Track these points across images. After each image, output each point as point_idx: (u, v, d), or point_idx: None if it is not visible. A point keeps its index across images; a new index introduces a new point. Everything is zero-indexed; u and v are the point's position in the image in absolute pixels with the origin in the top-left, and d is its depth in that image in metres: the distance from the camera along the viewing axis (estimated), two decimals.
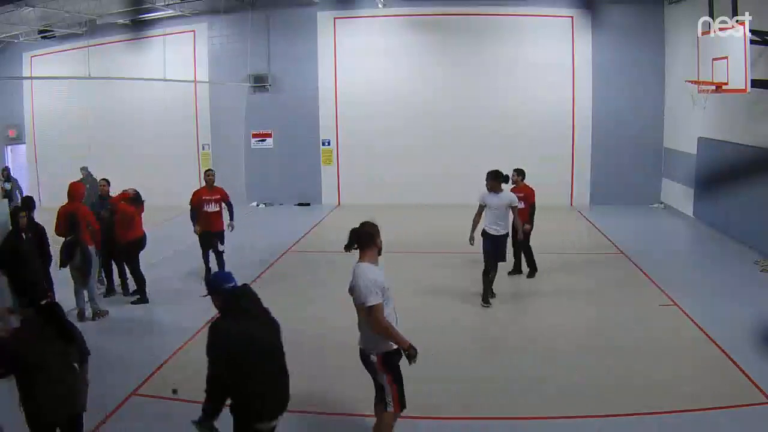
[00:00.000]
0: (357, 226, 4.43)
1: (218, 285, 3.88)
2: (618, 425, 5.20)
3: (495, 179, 8.14)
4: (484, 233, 8.15)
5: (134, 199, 8.71)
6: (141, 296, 8.66)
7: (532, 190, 9.42)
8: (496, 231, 8.07)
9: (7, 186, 13.92)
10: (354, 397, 5.64)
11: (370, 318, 4.16)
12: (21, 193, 14.38)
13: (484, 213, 8.19)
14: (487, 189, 8.15)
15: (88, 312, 7.97)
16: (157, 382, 6.11)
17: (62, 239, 7.99)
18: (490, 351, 6.91)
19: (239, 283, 4.00)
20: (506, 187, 8.55)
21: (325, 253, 11.40)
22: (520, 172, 9.51)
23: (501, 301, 8.62)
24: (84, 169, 13.79)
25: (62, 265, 7.78)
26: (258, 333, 3.72)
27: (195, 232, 9.21)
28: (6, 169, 14.69)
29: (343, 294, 9.24)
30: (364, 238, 4.33)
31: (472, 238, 8.17)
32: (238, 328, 3.66)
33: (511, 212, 8.20)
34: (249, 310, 3.79)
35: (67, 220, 7.79)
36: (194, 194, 9.37)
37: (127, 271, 8.83)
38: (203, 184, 9.62)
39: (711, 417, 5.18)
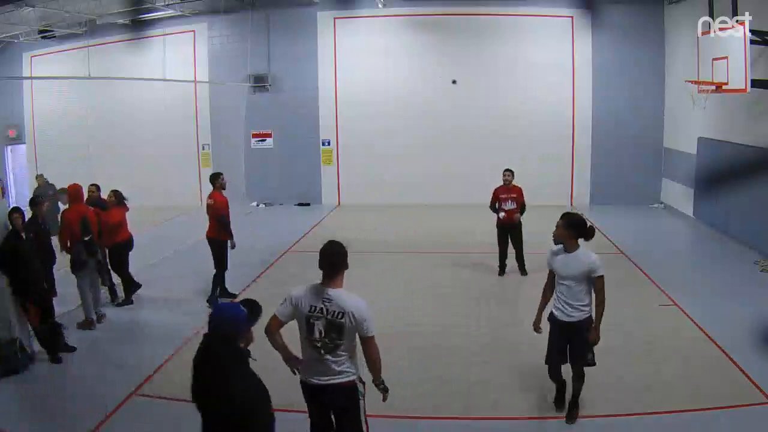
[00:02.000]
0: (326, 245, 3.90)
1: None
2: (618, 425, 5.20)
3: (572, 227, 4.90)
4: (552, 317, 5.12)
5: (118, 201, 8.65)
6: (126, 297, 8.62)
7: (521, 189, 9.73)
8: (568, 315, 4.95)
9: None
10: None
11: (372, 347, 3.80)
12: (7, 194, 13.98)
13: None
14: (554, 241, 5.03)
15: (93, 315, 7.85)
16: (157, 382, 6.11)
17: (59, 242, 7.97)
18: (490, 351, 6.90)
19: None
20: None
21: None
22: (512, 173, 9.76)
23: (500, 301, 8.62)
24: (40, 176, 13.56)
25: (81, 267, 7.65)
26: None
27: (233, 247, 8.45)
28: (41, 176, 13.93)
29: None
30: (340, 260, 3.85)
31: (538, 324, 5.24)
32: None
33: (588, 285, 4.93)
34: None
35: (81, 223, 7.66)
36: (224, 202, 8.45)
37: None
38: (203, 188, 9.01)
39: (711, 417, 5.18)
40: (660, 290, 8.78)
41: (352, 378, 3.85)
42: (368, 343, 3.79)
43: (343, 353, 3.79)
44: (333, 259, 3.83)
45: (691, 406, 5.32)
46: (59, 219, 8.38)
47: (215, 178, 8.57)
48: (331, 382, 3.81)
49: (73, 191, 8.05)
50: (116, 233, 8.50)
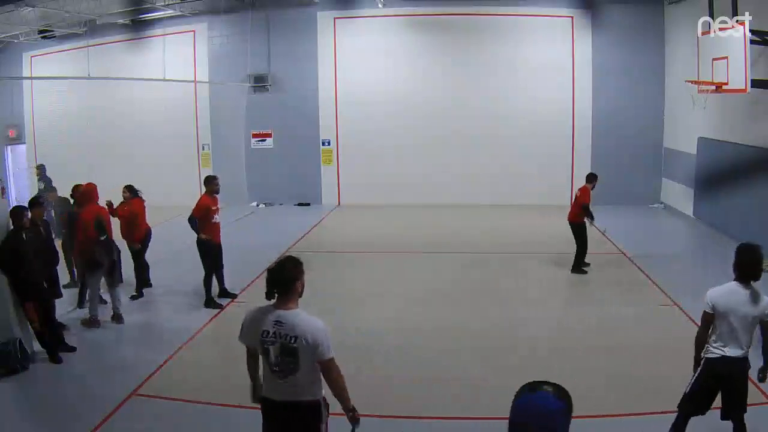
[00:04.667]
0: (275, 266, 3.61)
1: None
2: (618, 425, 5.20)
3: (757, 264, 4.36)
4: (710, 362, 4.45)
5: (133, 193, 8.74)
6: (143, 286, 8.89)
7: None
8: (733, 352, 4.35)
9: (41, 185, 13.05)
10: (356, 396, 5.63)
11: (333, 370, 3.54)
12: (7, 194, 13.93)
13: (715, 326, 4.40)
14: (738, 277, 4.35)
15: (98, 314, 7.80)
16: (157, 382, 6.11)
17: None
18: (490, 351, 6.90)
19: None
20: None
21: (325, 253, 11.39)
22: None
23: (500, 301, 8.62)
24: (41, 167, 13.49)
25: (97, 268, 7.62)
26: None
27: (206, 239, 8.25)
28: (41, 167, 13.58)
29: (344, 294, 9.24)
30: (291, 278, 3.54)
31: (699, 362, 4.55)
32: None
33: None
34: None
35: (96, 223, 7.59)
36: (201, 204, 8.32)
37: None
38: (203, 190, 8.65)
39: (711, 417, 5.17)
40: (660, 290, 8.77)
41: (317, 398, 3.60)
42: (328, 366, 3.51)
43: (303, 377, 3.52)
44: (283, 278, 3.51)
45: None
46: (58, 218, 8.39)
47: (208, 182, 8.51)
48: (293, 399, 3.57)
49: (87, 191, 7.94)
50: (139, 224, 8.57)
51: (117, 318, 7.83)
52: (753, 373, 4.49)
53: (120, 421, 5.35)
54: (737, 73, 9.47)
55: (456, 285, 9.47)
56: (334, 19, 16.37)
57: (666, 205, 15.58)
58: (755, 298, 4.28)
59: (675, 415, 4.79)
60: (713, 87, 10.32)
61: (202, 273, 8.58)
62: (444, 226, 13.65)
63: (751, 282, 4.31)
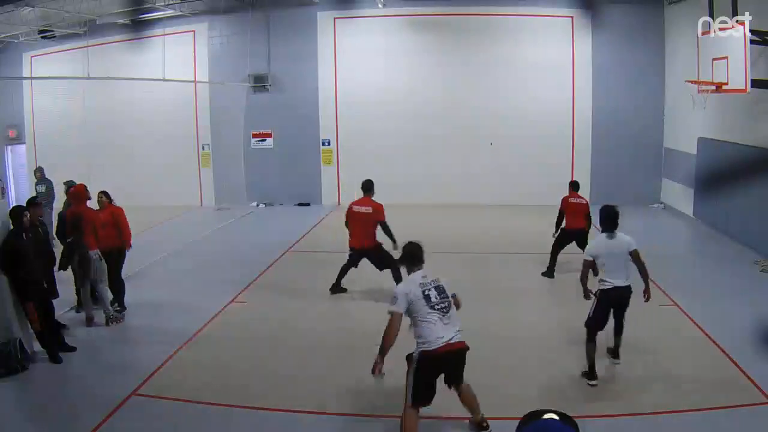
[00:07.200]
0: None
1: None
2: (618, 425, 5.20)
3: (616, 217, 6.11)
4: (605, 292, 6.07)
5: (110, 200, 8.26)
6: (121, 305, 8.22)
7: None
8: (619, 282, 6.08)
9: (41, 188, 12.44)
10: (357, 396, 5.64)
11: (389, 322, 5.12)
12: (7, 194, 13.61)
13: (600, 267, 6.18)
14: (605, 229, 6.17)
15: (99, 318, 7.78)
16: (157, 382, 6.11)
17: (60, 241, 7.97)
18: (490, 351, 6.90)
19: None
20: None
21: (325, 253, 11.39)
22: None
23: (500, 301, 8.62)
24: (40, 169, 13.19)
25: (62, 267, 7.73)
26: None
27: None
28: (40, 170, 13.09)
29: (344, 293, 9.23)
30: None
31: (588, 295, 6.18)
32: None
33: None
34: None
35: (72, 224, 7.68)
36: (382, 208, 9.05)
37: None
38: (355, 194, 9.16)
39: (711, 417, 5.18)
40: (660, 290, 8.76)
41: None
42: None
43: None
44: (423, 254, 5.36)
45: (691, 406, 5.32)
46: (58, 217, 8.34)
47: (371, 186, 9.05)
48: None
49: (75, 192, 7.91)
50: (124, 229, 8.19)
51: (111, 320, 7.77)
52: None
53: (120, 421, 5.35)
54: (737, 73, 9.46)
55: (456, 285, 9.43)
56: (334, 19, 16.36)
57: (666, 205, 15.58)
58: (620, 240, 6.05)
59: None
60: (713, 87, 10.31)
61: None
62: (444, 226, 13.64)
63: (614, 230, 6.03)
